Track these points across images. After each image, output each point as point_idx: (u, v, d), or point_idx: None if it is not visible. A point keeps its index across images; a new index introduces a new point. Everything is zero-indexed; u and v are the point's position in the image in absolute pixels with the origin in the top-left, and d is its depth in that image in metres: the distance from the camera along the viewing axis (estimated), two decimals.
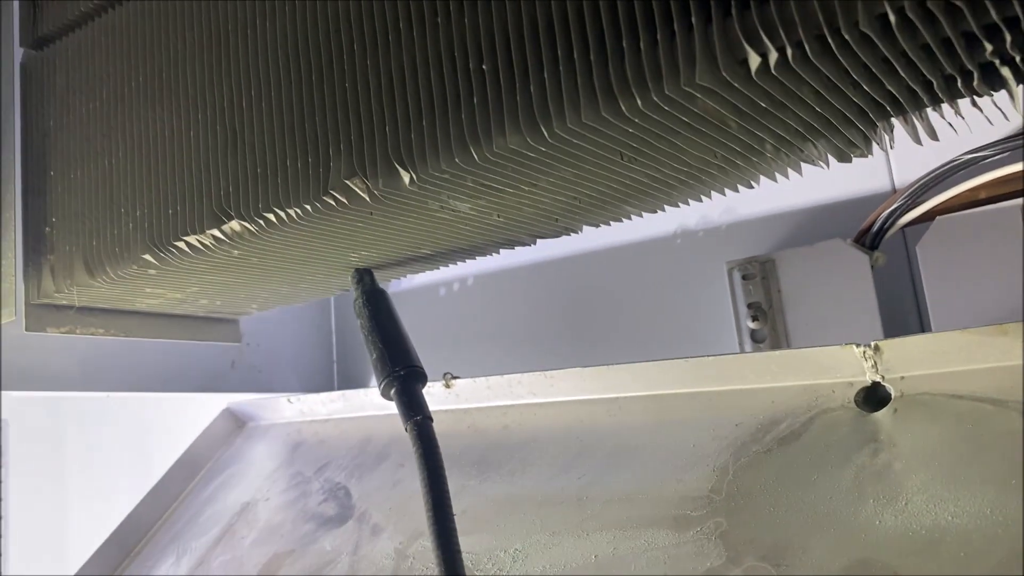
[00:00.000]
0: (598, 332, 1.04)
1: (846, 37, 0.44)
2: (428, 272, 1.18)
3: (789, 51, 0.45)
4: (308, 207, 0.62)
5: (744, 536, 0.58)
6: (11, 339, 0.89)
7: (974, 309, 0.75)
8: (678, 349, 0.95)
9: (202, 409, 1.13)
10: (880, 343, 0.61)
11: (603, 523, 0.66)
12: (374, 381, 0.72)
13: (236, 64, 0.67)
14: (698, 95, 0.48)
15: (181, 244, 0.70)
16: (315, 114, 0.62)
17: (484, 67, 0.53)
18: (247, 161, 0.65)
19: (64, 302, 0.85)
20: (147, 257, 0.72)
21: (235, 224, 0.66)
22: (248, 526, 0.93)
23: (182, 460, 1.08)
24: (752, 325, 0.84)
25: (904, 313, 0.83)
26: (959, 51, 0.46)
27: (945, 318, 0.76)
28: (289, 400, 1.05)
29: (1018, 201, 0.74)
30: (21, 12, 0.89)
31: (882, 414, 0.61)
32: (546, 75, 0.51)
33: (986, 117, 0.55)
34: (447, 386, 0.87)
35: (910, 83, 0.50)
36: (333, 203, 0.61)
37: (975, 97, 0.52)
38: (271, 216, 0.64)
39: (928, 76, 0.49)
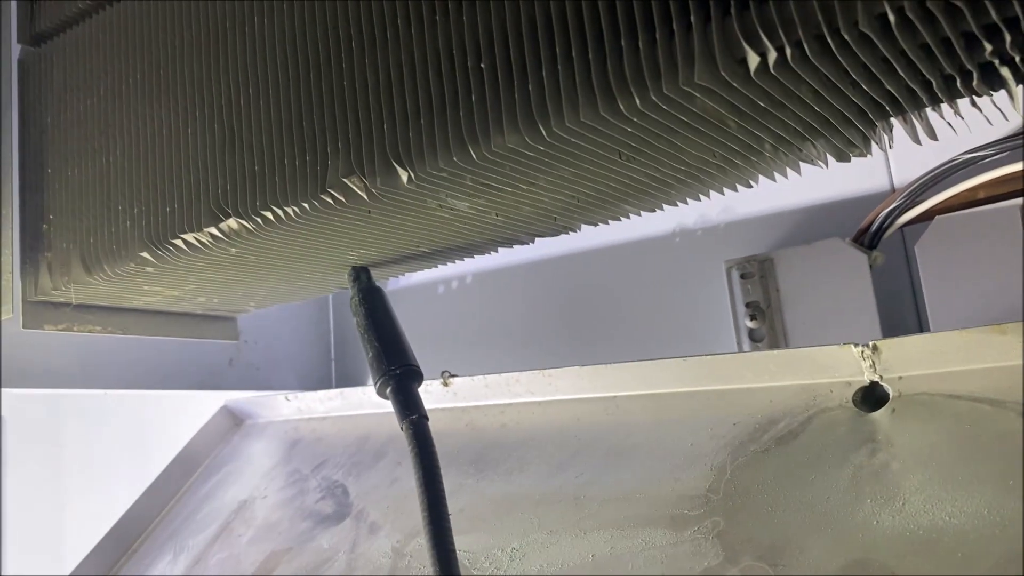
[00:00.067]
0: (597, 331, 1.04)
1: (845, 37, 0.44)
2: (427, 270, 1.19)
3: (788, 51, 0.45)
4: (306, 205, 0.62)
5: (741, 536, 0.58)
6: (9, 336, 0.89)
7: (972, 309, 0.75)
8: (676, 348, 0.95)
9: (200, 407, 1.13)
10: (878, 343, 0.61)
11: (601, 522, 0.66)
12: (371, 379, 0.72)
13: (234, 62, 0.67)
14: (697, 95, 0.48)
15: (179, 242, 0.70)
16: (313, 112, 0.62)
17: (482, 66, 0.53)
18: (245, 159, 0.65)
19: (61, 299, 0.85)
20: (144, 255, 0.72)
21: (233, 222, 0.66)
22: (245, 524, 0.93)
23: (179, 458, 1.08)
24: (750, 324, 0.84)
25: (902, 313, 0.83)
26: (958, 51, 0.46)
27: (943, 318, 0.76)
28: (287, 398, 1.05)
29: (1017, 201, 0.74)
30: (19, 8, 0.88)
31: (880, 414, 0.61)
32: (544, 74, 0.51)
33: (985, 117, 0.55)
34: (445, 384, 0.87)
35: (909, 83, 0.50)
36: (331, 201, 0.61)
37: (974, 97, 0.52)
38: (269, 214, 0.64)
39: (927, 76, 0.49)
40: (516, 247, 0.82)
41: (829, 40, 0.44)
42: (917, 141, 0.57)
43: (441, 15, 0.56)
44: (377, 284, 0.78)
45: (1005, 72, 0.48)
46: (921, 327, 0.81)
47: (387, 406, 0.69)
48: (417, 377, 0.70)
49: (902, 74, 0.48)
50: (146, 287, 0.83)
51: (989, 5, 0.42)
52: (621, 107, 0.49)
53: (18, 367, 0.90)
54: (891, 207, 0.79)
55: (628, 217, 0.75)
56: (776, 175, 0.66)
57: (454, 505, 0.74)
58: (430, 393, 0.88)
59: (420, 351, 0.73)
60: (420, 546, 0.74)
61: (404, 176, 0.57)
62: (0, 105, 0.87)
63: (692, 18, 0.47)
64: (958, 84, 0.50)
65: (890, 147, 0.59)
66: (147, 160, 0.73)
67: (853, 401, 0.63)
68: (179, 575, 0.92)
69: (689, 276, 0.97)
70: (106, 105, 0.77)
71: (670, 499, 0.64)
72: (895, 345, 0.61)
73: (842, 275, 0.82)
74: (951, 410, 0.58)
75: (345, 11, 0.61)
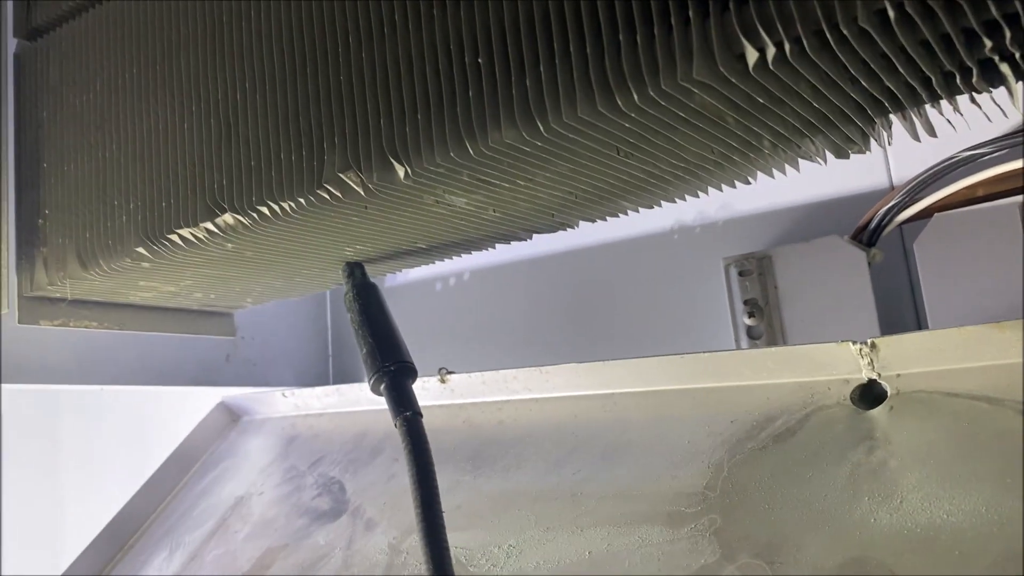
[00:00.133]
0: (594, 328, 1.04)
1: (844, 33, 0.44)
2: (424, 267, 1.18)
3: (787, 46, 0.45)
4: (302, 200, 0.62)
5: (738, 533, 0.58)
6: (5, 332, 0.88)
7: (971, 306, 0.75)
8: (674, 345, 0.94)
9: (197, 403, 1.13)
10: (876, 340, 0.61)
11: (597, 519, 0.66)
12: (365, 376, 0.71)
13: (230, 57, 0.67)
14: (695, 90, 0.48)
15: (174, 237, 0.70)
16: (310, 107, 0.61)
17: (480, 61, 0.53)
18: (241, 154, 0.65)
19: (57, 295, 0.85)
20: (140, 250, 0.72)
21: (228, 217, 0.66)
22: (242, 520, 0.93)
23: (176, 454, 1.08)
24: (748, 321, 0.84)
25: (901, 310, 0.83)
26: (958, 47, 0.46)
27: (942, 315, 0.76)
28: (284, 394, 1.05)
29: (1016, 199, 0.74)
30: (15, 3, 0.88)
31: (878, 412, 0.61)
32: (542, 69, 0.51)
33: (985, 114, 0.55)
34: (442, 381, 0.87)
35: (909, 79, 0.49)
36: (327, 196, 0.61)
37: (974, 94, 0.52)
38: (264, 209, 0.63)
39: (927, 72, 0.49)
40: (514, 244, 0.82)
41: (828, 36, 0.44)
42: (916, 138, 0.57)
43: (439, 10, 0.55)
44: (371, 280, 0.77)
45: (1005, 68, 0.47)
46: (919, 325, 0.81)
47: (384, 403, 0.69)
48: (411, 374, 0.70)
49: (901, 71, 0.48)
50: (142, 283, 0.82)
51: (989, 1, 0.42)
52: (619, 103, 0.48)
53: (15, 363, 0.90)
54: (890, 204, 0.79)
55: (626, 213, 0.74)
56: (775, 172, 0.66)
57: (451, 502, 0.74)
58: (427, 390, 0.88)
59: (417, 348, 0.73)
60: (416, 543, 0.73)
61: (401, 171, 0.57)
62: None
63: (690, 13, 0.46)
64: (958, 81, 0.50)
65: (889, 144, 0.59)
66: (143, 155, 0.73)
67: (851, 399, 0.63)
68: (175, 572, 0.92)
69: (687, 273, 0.96)
70: (102, 100, 0.77)
71: (667, 496, 0.64)
72: (893, 343, 0.61)
73: (840, 273, 0.81)
74: (949, 408, 0.58)
75: (342, 6, 0.60)
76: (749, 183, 0.68)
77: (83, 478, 1.70)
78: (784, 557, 0.55)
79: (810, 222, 0.89)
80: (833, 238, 0.82)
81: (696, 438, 0.67)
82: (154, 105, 0.72)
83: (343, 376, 1.25)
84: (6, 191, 0.85)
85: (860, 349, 0.62)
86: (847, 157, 0.61)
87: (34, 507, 1.76)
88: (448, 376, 0.87)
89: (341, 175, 0.59)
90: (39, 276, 0.81)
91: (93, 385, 0.98)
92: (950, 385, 0.59)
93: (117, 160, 0.75)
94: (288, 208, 0.63)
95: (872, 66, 0.47)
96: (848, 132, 0.57)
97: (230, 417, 1.13)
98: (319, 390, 1.01)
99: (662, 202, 0.72)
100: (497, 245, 0.83)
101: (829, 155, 0.62)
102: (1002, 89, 0.50)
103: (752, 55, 0.45)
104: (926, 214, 0.78)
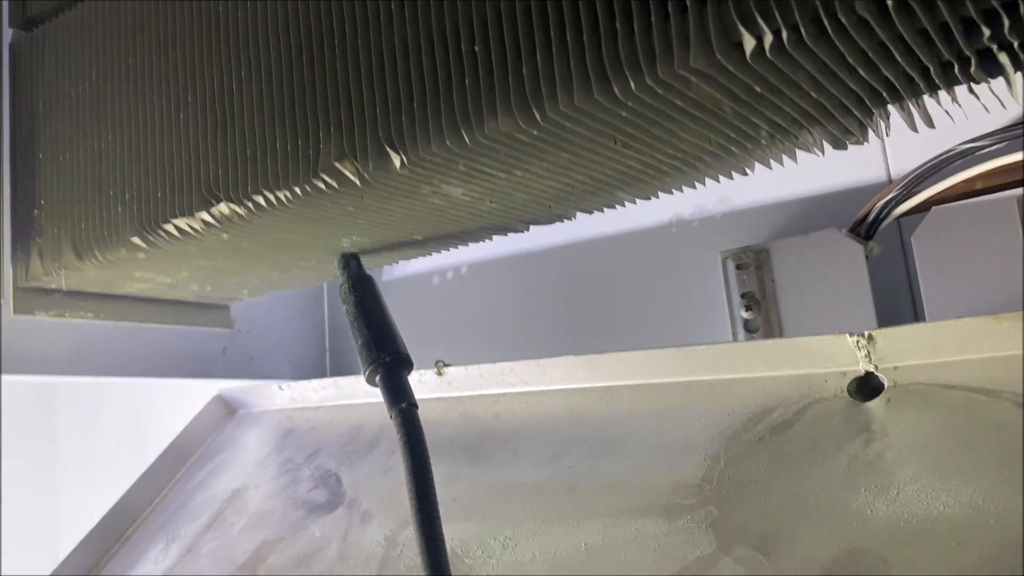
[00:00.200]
0: (592, 321, 1.04)
1: (842, 21, 0.43)
2: (421, 260, 1.18)
3: (784, 35, 0.44)
4: (298, 190, 0.61)
5: (735, 525, 0.58)
6: (1, 323, 0.88)
7: (969, 300, 0.75)
8: (672, 339, 0.94)
9: (194, 396, 1.13)
10: (874, 332, 0.61)
11: (593, 511, 0.65)
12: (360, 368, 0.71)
13: (226, 46, 0.67)
14: (692, 78, 0.47)
15: (170, 227, 0.69)
16: (305, 96, 0.61)
17: (476, 49, 0.53)
18: (236, 144, 0.65)
19: (53, 285, 0.84)
20: (135, 240, 0.72)
21: (224, 207, 0.65)
22: (238, 513, 0.93)
23: (172, 447, 1.08)
24: (746, 315, 0.84)
25: (898, 304, 0.83)
26: (957, 36, 0.45)
27: (939, 309, 0.76)
28: (280, 387, 1.05)
29: (1014, 192, 0.74)
30: None
31: (875, 404, 0.61)
32: (539, 57, 0.51)
33: (983, 105, 0.55)
34: (439, 374, 0.87)
35: (907, 69, 0.49)
36: (323, 186, 0.60)
37: (972, 84, 0.52)
38: (260, 199, 0.63)
39: (925, 62, 0.48)
40: (511, 236, 0.81)
41: (826, 24, 0.44)
42: (914, 129, 0.57)
43: None
44: (367, 272, 0.77)
45: (1003, 58, 0.47)
46: (917, 318, 0.81)
47: (381, 395, 0.69)
48: (407, 365, 0.70)
49: (899, 60, 0.48)
50: (138, 274, 0.82)
51: None
52: (616, 91, 0.48)
53: (11, 354, 0.90)
54: (888, 198, 0.79)
55: (623, 205, 0.74)
56: (773, 165, 0.66)
57: (447, 494, 0.74)
58: (424, 383, 0.87)
59: (415, 343, 0.73)
60: (412, 535, 0.73)
61: (397, 160, 0.56)
62: None
63: (687, 1, 0.46)
64: (956, 71, 0.49)
65: (887, 135, 0.58)
66: (138, 145, 0.72)
67: (848, 391, 0.63)
68: (171, 564, 0.92)
69: (685, 267, 0.96)
70: (98, 90, 0.77)
71: (663, 488, 0.64)
72: (891, 335, 0.61)
73: (838, 266, 0.81)
74: (946, 400, 0.58)
75: None
76: (747, 174, 0.67)
77: (79, 470, 1.70)
78: (780, 549, 0.55)
79: (808, 216, 0.88)
80: (831, 231, 0.82)
81: (693, 430, 0.67)
82: (149, 95, 0.72)
83: (340, 370, 1.25)
84: (1, 181, 0.85)
85: (857, 341, 0.62)
86: (845, 148, 0.61)
87: (30, 499, 1.75)
88: (445, 369, 0.86)
89: (337, 164, 0.59)
90: (34, 266, 0.81)
91: (89, 376, 0.98)
92: (948, 377, 0.59)
93: (112, 150, 0.74)
94: (284, 198, 0.63)
95: (870, 55, 0.47)
96: (846, 123, 0.57)
97: (226, 410, 1.12)
98: (316, 383, 1.01)
99: (659, 193, 0.72)
100: (494, 237, 0.83)
101: (827, 147, 0.62)
102: (1001, 82, 0.50)
103: (749, 43, 0.45)
104: (924, 207, 0.78)
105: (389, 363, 0.69)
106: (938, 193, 0.77)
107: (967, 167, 0.74)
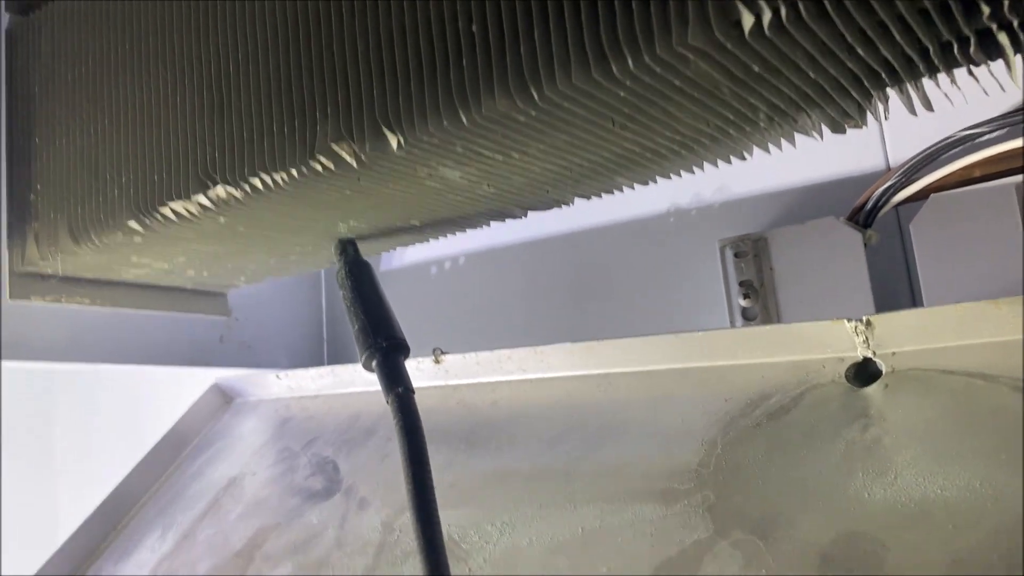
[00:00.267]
0: (590, 311, 1.03)
1: None
2: (418, 251, 1.18)
3: (783, 12, 0.44)
4: (294, 172, 0.61)
5: (732, 509, 0.58)
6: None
7: (967, 288, 0.74)
8: (669, 327, 0.94)
9: (191, 385, 1.13)
10: (872, 318, 0.61)
11: (591, 496, 0.65)
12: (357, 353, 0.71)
13: (222, 28, 0.66)
14: (691, 57, 0.47)
15: (166, 210, 0.69)
16: (302, 77, 0.61)
17: (473, 29, 0.53)
18: (233, 126, 0.64)
19: (49, 270, 0.84)
20: (132, 224, 0.71)
21: (221, 190, 0.65)
22: (234, 500, 0.93)
23: (169, 435, 1.08)
24: (744, 303, 0.84)
25: (897, 292, 0.82)
26: (956, 15, 0.45)
27: (938, 297, 0.76)
28: (278, 376, 1.05)
29: (1013, 179, 0.74)
30: None
31: (873, 389, 0.61)
32: (536, 36, 0.50)
33: (982, 88, 0.55)
34: (436, 362, 0.87)
35: (906, 49, 0.49)
36: (320, 168, 0.60)
37: (972, 67, 0.51)
38: (257, 181, 0.63)
39: (924, 42, 0.48)
40: (509, 226, 0.81)
41: (825, 1, 0.44)
42: (913, 112, 0.56)
43: None
44: (364, 258, 0.77)
45: (1002, 38, 0.47)
46: (915, 306, 0.81)
47: (379, 384, 0.68)
48: (404, 350, 0.70)
49: (899, 39, 0.48)
50: (134, 258, 0.82)
51: None
52: (613, 69, 0.48)
53: (8, 340, 0.90)
54: (886, 185, 0.79)
55: (621, 190, 0.74)
56: (771, 154, 0.65)
57: (444, 481, 0.74)
58: (421, 371, 0.87)
59: (413, 333, 0.73)
60: (409, 521, 0.74)
61: (394, 142, 0.56)
62: None
63: None
64: (955, 51, 0.49)
65: (886, 118, 0.58)
66: (135, 128, 0.72)
67: (846, 377, 0.63)
68: (168, 551, 0.92)
69: (683, 255, 0.96)
70: (94, 74, 0.77)
71: (661, 474, 0.64)
72: (889, 320, 0.60)
73: (836, 254, 0.81)
74: (945, 385, 0.58)
75: None
76: (744, 158, 0.67)
77: (76, 458, 1.69)
78: (777, 532, 0.55)
79: (806, 204, 0.88)
80: (829, 219, 0.82)
81: (690, 417, 0.67)
82: (146, 78, 0.72)
83: (338, 360, 1.24)
84: None
85: (855, 327, 0.62)
86: (843, 132, 0.60)
87: (27, 488, 1.75)
88: (442, 356, 0.86)
89: (334, 146, 0.58)
90: (30, 251, 0.81)
91: (86, 364, 0.97)
92: (946, 362, 0.59)
93: (109, 134, 0.74)
94: (280, 180, 0.62)
95: (869, 34, 0.47)
96: (845, 105, 0.57)
97: (223, 399, 1.12)
98: (313, 371, 1.01)
99: (658, 178, 0.71)
100: (492, 226, 0.83)
101: (826, 133, 0.61)
102: (1001, 66, 0.50)
103: (748, 21, 0.44)
104: (923, 195, 0.78)
105: (386, 348, 0.69)
106: (937, 180, 0.76)
107: (966, 154, 0.74)
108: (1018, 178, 0.73)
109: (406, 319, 0.73)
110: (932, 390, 0.58)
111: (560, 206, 0.77)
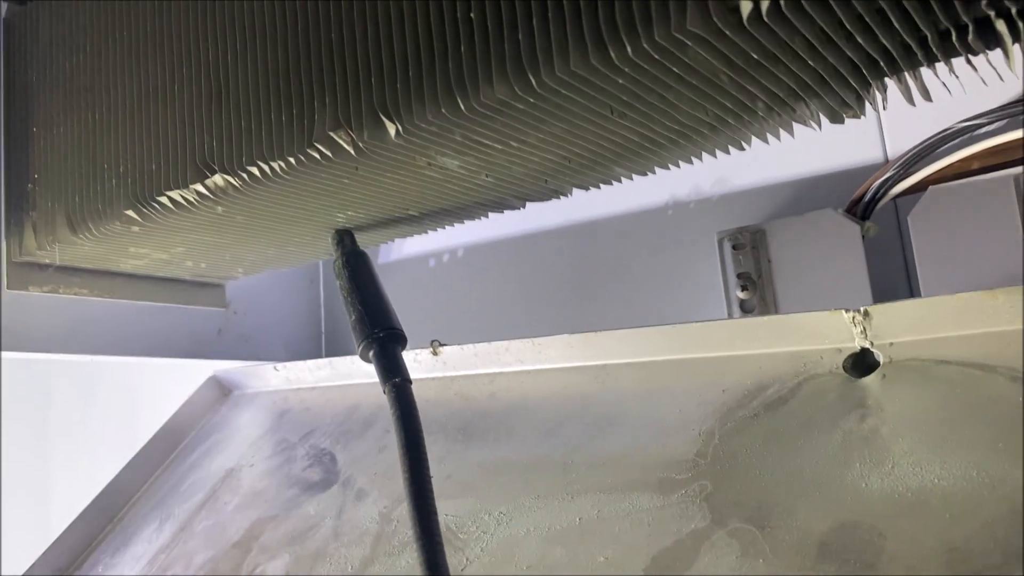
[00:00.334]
0: (589, 303, 1.03)
1: None
2: (417, 244, 1.18)
3: None
4: (292, 160, 0.61)
5: (729, 498, 0.58)
6: None
7: (965, 280, 0.74)
8: (668, 319, 0.94)
9: (189, 377, 1.13)
10: (869, 308, 0.61)
11: (588, 486, 0.65)
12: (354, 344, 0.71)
13: (220, 16, 0.66)
14: (689, 43, 0.47)
15: (164, 199, 0.69)
16: (300, 66, 0.61)
17: (472, 15, 0.52)
18: (231, 114, 0.64)
19: (47, 260, 0.84)
20: (130, 213, 0.71)
21: (219, 178, 0.65)
22: (232, 492, 0.92)
23: (166, 427, 1.07)
24: (741, 295, 0.84)
25: (895, 284, 0.83)
26: (954, 2, 0.45)
27: (936, 288, 0.76)
28: (276, 368, 1.05)
29: (1011, 171, 0.74)
30: None
31: (870, 380, 0.61)
32: (534, 23, 0.50)
33: (981, 78, 0.55)
34: (434, 353, 0.87)
35: (905, 37, 0.49)
36: (318, 156, 0.60)
37: (970, 56, 0.51)
38: (255, 170, 0.63)
39: (923, 30, 0.48)
40: (507, 219, 0.81)
41: None
42: (911, 102, 0.56)
43: None
44: (361, 248, 0.77)
45: (1001, 26, 0.47)
46: (913, 298, 0.81)
47: (376, 374, 0.68)
48: (401, 340, 0.70)
49: (897, 27, 0.47)
50: (133, 249, 0.82)
51: None
52: (612, 56, 0.48)
53: (7, 330, 0.90)
54: (884, 177, 0.79)
55: (620, 181, 0.74)
56: (770, 145, 0.65)
57: (442, 471, 0.74)
58: (419, 362, 0.87)
59: (411, 325, 0.73)
60: (407, 511, 0.74)
61: (392, 130, 0.56)
62: None
63: None
64: (953, 39, 0.49)
65: (884, 108, 0.58)
66: (133, 117, 0.72)
67: (843, 367, 0.62)
68: (165, 542, 0.92)
69: (682, 248, 0.96)
70: (92, 62, 0.76)
71: (658, 464, 0.64)
72: (886, 311, 0.60)
73: (834, 246, 0.81)
74: (942, 375, 0.58)
75: None
76: (743, 149, 0.67)
77: (73, 450, 1.69)
78: (775, 522, 0.55)
79: (805, 196, 0.88)
80: (827, 211, 0.82)
81: (687, 407, 0.67)
82: (144, 67, 0.72)
83: (336, 352, 1.24)
84: None
85: (853, 317, 0.62)
86: (842, 122, 0.60)
87: (24, 480, 1.75)
88: (440, 348, 0.86)
89: (331, 134, 0.58)
90: (28, 241, 0.81)
91: (85, 355, 0.97)
92: (943, 353, 0.59)
93: (107, 123, 0.74)
94: (278, 168, 0.62)
95: (867, 21, 0.47)
96: (843, 95, 0.57)
97: (221, 391, 1.12)
98: (311, 363, 1.01)
99: (656, 168, 0.71)
100: (490, 216, 0.83)
101: (825, 124, 0.61)
102: (998, 57, 0.50)
103: (746, 7, 0.44)
104: (921, 187, 0.78)
105: (383, 338, 0.68)
106: (935, 172, 0.76)
107: (964, 146, 0.74)
108: (1016, 170, 0.73)
109: (404, 311, 0.73)
110: (929, 380, 0.58)
111: (559, 197, 0.77)
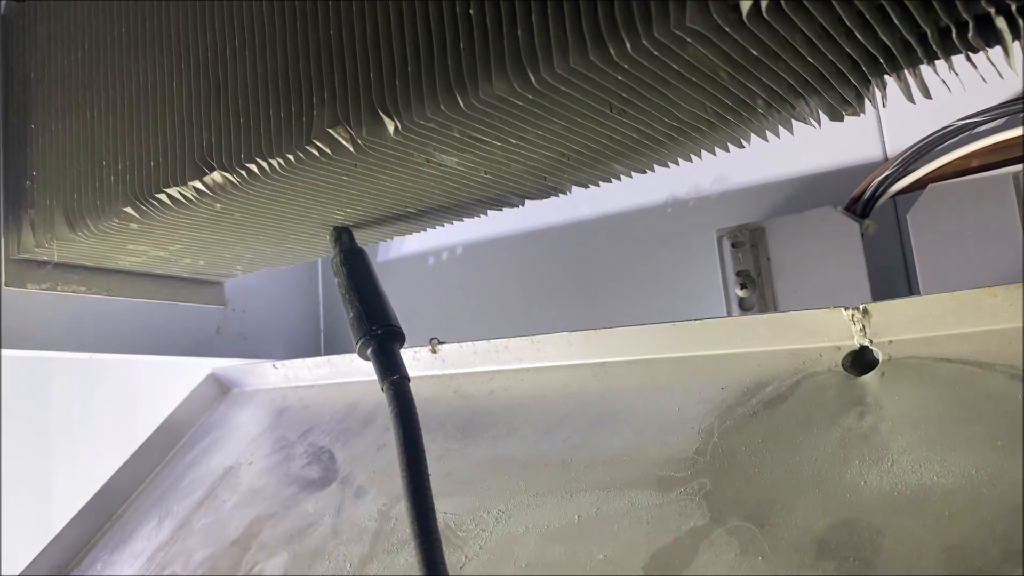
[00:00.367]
0: (588, 301, 1.03)
1: None
2: (416, 241, 1.18)
3: None
4: (291, 157, 0.61)
5: (728, 496, 0.58)
6: None
7: (964, 278, 0.74)
8: (667, 317, 0.94)
9: (188, 375, 1.13)
10: (868, 306, 0.61)
11: (587, 484, 0.65)
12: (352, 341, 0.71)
13: (219, 13, 0.66)
14: (688, 40, 0.47)
15: (163, 196, 0.69)
16: (299, 62, 0.61)
17: (471, 12, 0.52)
18: (230, 111, 0.64)
19: (45, 257, 0.84)
20: (128, 210, 0.71)
21: (217, 175, 0.65)
22: (231, 489, 0.92)
23: (165, 425, 1.07)
24: (741, 293, 0.84)
25: (894, 282, 0.83)
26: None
27: (935, 286, 0.76)
28: (274, 366, 1.05)
29: (1010, 169, 0.74)
30: None
31: (869, 377, 0.61)
32: (534, 19, 0.50)
33: (980, 76, 0.54)
34: (433, 351, 0.87)
35: (904, 34, 0.49)
36: (316, 153, 0.60)
37: (970, 53, 0.51)
38: (253, 167, 0.63)
39: (923, 26, 0.48)
40: (506, 217, 0.81)
41: None
42: (911, 99, 0.56)
43: None
44: (359, 246, 0.77)
45: (1000, 23, 0.47)
46: (912, 296, 0.81)
47: (374, 371, 0.68)
48: (399, 338, 0.69)
49: (897, 24, 0.47)
50: (131, 246, 0.82)
51: None
52: (611, 53, 0.48)
53: (6, 328, 0.89)
54: (883, 175, 0.79)
55: (619, 178, 0.74)
56: (769, 143, 0.65)
57: (440, 470, 0.74)
58: (418, 360, 0.87)
59: (410, 323, 0.73)
60: (405, 508, 0.73)
61: (391, 126, 0.56)
62: None
63: None
64: (953, 36, 0.49)
65: (883, 106, 0.58)
66: (131, 114, 0.72)
67: (842, 365, 0.62)
68: (164, 540, 0.92)
69: (680, 245, 0.96)
70: (90, 59, 0.76)
71: (657, 462, 0.64)
72: (885, 309, 0.60)
73: (833, 244, 0.81)
74: (941, 373, 0.58)
75: None
76: (743, 146, 0.67)
77: (72, 448, 1.69)
78: (774, 519, 0.55)
79: (804, 194, 0.88)
80: (826, 209, 0.82)
81: (687, 405, 0.67)
82: (142, 63, 0.72)
83: (334, 350, 1.24)
84: None
85: (852, 315, 0.62)
86: (841, 119, 0.60)
87: (25, 477, 1.75)
88: (439, 346, 0.86)
89: (330, 130, 0.58)
90: (26, 238, 0.81)
91: (84, 353, 0.97)
92: (942, 350, 0.59)
93: (105, 119, 0.74)
94: (277, 165, 0.62)
95: (867, 17, 0.47)
96: (843, 92, 0.56)
97: (220, 389, 1.12)
98: (310, 361, 1.01)
99: (655, 165, 0.71)
100: (489, 214, 0.83)
101: (824, 121, 0.61)
102: (998, 54, 0.50)
103: (746, 3, 0.44)
104: (920, 185, 0.78)
105: (381, 336, 0.68)
106: (934, 170, 0.76)
107: (963, 144, 0.74)
108: (1016, 168, 0.73)
109: (403, 309, 0.73)
110: (928, 378, 0.58)
111: (558, 194, 0.77)
